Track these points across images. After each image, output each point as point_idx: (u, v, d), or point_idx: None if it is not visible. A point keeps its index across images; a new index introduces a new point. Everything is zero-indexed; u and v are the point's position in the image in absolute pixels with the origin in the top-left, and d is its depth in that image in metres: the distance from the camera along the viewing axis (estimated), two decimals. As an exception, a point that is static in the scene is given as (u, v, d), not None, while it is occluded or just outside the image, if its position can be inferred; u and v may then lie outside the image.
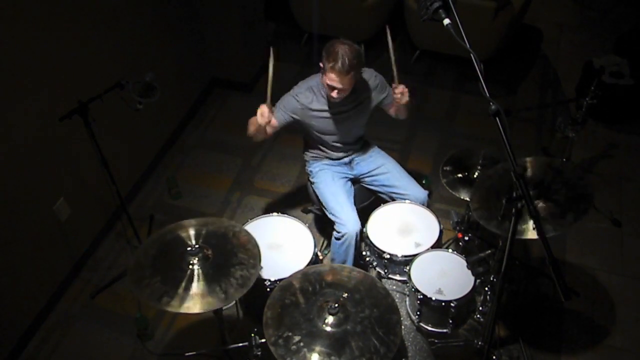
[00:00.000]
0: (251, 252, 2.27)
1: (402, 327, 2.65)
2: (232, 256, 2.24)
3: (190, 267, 2.18)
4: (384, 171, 2.93)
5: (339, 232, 2.77)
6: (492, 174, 2.50)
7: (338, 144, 2.88)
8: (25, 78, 2.68)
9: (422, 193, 2.88)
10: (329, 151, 2.92)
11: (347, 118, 2.77)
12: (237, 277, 2.15)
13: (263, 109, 2.54)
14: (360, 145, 2.99)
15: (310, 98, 2.69)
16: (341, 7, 4.35)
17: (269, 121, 2.59)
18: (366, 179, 2.98)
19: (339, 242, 2.78)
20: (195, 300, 2.09)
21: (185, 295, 2.10)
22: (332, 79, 2.49)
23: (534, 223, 1.63)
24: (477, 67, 1.61)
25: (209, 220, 2.40)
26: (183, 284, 2.13)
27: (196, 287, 2.13)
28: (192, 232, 2.33)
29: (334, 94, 2.55)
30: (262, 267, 2.47)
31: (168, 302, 2.07)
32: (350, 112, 2.76)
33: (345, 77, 2.47)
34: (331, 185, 2.88)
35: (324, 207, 2.88)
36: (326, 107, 2.71)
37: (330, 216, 2.83)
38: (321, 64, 2.54)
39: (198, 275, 2.16)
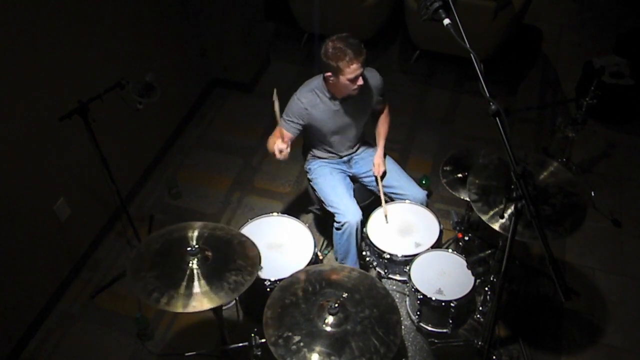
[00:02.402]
0: (251, 260, 2.25)
1: (402, 327, 2.66)
2: (231, 261, 2.23)
3: (190, 265, 2.17)
4: (382, 171, 2.93)
5: (338, 222, 2.77)
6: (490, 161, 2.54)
7: (339, 144, 2.88)
8: (25, 78, 2.68)
9: (421, 193, 2.88)
10: (329, 151, 2.92)
11: (351, 117, 2.77)
12: (231, 282, 2.14)
13: (280, 145, 2.50)
14: (360, 145, 2.99)
15: (314, 100, 2.69)
16: (341, 7, 4.35)
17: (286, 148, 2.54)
18: (365, 179, 2.98)
19: (339, 232, 2.78)
20: (183, 301, 2.08)
21: (175, 294, 2.09)
22: (353, 69, 2.49)
23: (534, 224, 1.63)
24: (477, 67, 1.61)
25: (218, 227, 2.39)
26: (183, 283, 2.12)
27: (192, 286, 2.12)
28: (196, 233, 2.33)
29: (359, 82, 2.55)
30: (262, 267, 2.47)
31: (157, 299, 2.07)
32: (353, 111, 2.76)
33: (362, 57, 2.49)
34: (329, 179, 2.88)
35: (322, 201, 2.87)
36: (330, 108, 2.71)
37: (329, 208, 2.82)
38: (329, 73, 2.54)
39: (195, 275, 2.15)
